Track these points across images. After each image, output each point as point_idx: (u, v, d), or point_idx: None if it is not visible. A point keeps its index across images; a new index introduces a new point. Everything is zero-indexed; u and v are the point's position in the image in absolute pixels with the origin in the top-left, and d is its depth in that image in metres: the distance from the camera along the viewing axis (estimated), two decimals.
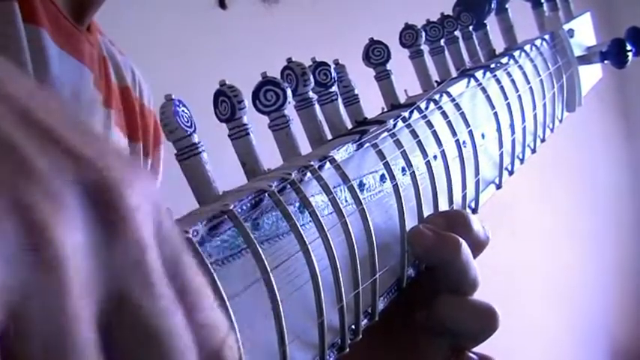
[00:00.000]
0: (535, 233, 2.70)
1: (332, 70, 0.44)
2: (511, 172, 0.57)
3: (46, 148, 0.19)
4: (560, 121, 0.69)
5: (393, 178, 0.42)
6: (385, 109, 0.49)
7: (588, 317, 2.95)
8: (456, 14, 0.59)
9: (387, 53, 0.50)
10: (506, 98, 0.56)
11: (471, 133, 0.50)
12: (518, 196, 2.33)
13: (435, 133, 0.47)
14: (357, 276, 0.37)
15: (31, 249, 0.18)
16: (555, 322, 2.77)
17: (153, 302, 0.20)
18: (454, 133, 0.49)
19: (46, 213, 0.18)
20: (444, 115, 0.49)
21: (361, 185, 0.41)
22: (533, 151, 0.61)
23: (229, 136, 0.38)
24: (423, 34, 0.54)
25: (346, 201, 0.39)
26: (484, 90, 0.55)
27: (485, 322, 0.44)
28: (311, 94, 0.42)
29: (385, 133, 0.44)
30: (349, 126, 0.45)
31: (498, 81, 0.57)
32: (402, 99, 0.50)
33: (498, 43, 0.64)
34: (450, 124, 0.49)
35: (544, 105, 0.63)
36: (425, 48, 0.55)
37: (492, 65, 0.58)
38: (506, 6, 0.66)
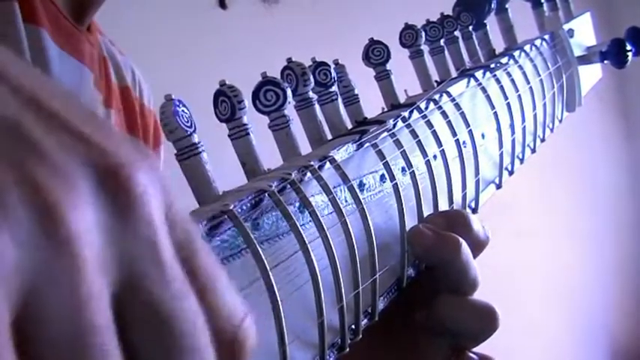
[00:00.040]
0: (535, 233, 2.70)
1: (332, 70, 0.44)
2: (511, 172, 0.57)
3: (54, 131, 0.19)
4: (560, 121, 0.69)
5: (392, 178, 0.42)
6: (385, 109, 0.49)
7: (588, 317, 2.95)
8: (456, 14, 0.59)
9: (387, 53, 0.50)
10: (506, 98, 0.56)
11: (470, 133, 0.50)
12: (518, 196, 2.33)
13: (434, 133, 0.47)
14: (357, 276, 0.37)
15: (43, 230, 0.18)
16: (555, 322, 2.77)
17: (165, 285, 0.20)
18: (454, 133, 0.49)
19: (58, 195, 0.18)
20: (444, 115, 0.49)
21: (361, 185, 0.41)
22: (533, 150, 0.61)
23: (229, 136, 0.38)
24: (423, 34, 0.54)
25: (346, 201, 0.39)
26: (484, 90, 0.55)
27: (486, 321, 0.44)
28: (311, 94, 0.42)
29: (385, 133, 0.44)
30: (349, 126, 0.45)
31: (498, 81, 0.57)
32: (402, 99, 0.50)
33: (498, 43, 0.64)
34: (449, 124, 0.49)
35: (544, 105, 0.63)
36: (425, 48, 0.55)
37: (492, 65, 0.58)
38: (506, 6, 0.66)
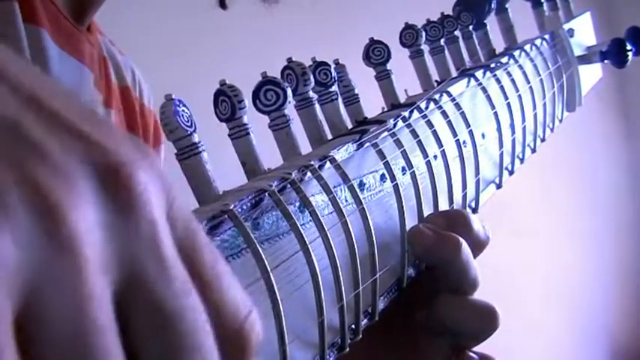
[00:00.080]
0: (535, 233, 2.70)
1: (332, 70, 0.44)
2: (511, 172, 0.57)
3: (54, 130, 0.19)
4: (560, 120, 0.69)
5: (393, 177, 0.42)
6: (385, 109, 0.49)
7: (588, 317, 2.95)
8: (456, 14, 0.59)
9: (387, 53, 0.50)
10: (506, 98, 0.56)
11: (471, 132, 0.50)
12: (518, 195, 2.33)
13: (435, 133, 0.47)
14: (357, 275, 0.37)
15: (45, 231, 0.18)
16: (555, 322, 2.77)
17: (167, 283, 0.20)
18: (454, 133, 0.49)
19: (58, 194, 0.18)
20: (444, 114, 0.49)
21: (361, 185, 0.41)
22: (534, 150, 0.61)
23: (229, 135, 0.38)
24: (423, 33, 0.54)
25: (346, 201, 0.39)
26: (484, 90, 0.55)
27: (486, 321, 0.44)
28: (311, 93, 0.42)
29: (385, 133, 0.44)
30: (349, 126, 0.45)
31: (498, 81, 0.57)
32: (402, 99, 0.50)
33: (498, 43, 0.64)
34: (450, 123, 0.49)
35: (544, 105, 0.63)
36: (425, 48, 0.55)
37: (492, 65, 0.58)
38: (507, 6, 0.66)
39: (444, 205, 0.47)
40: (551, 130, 0.65)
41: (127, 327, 0.19)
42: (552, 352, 2.71)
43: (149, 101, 0.75)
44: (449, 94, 0.50)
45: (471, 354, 0.45)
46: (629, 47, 0.72)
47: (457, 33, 0.58)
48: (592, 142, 3.09)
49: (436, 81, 0.54)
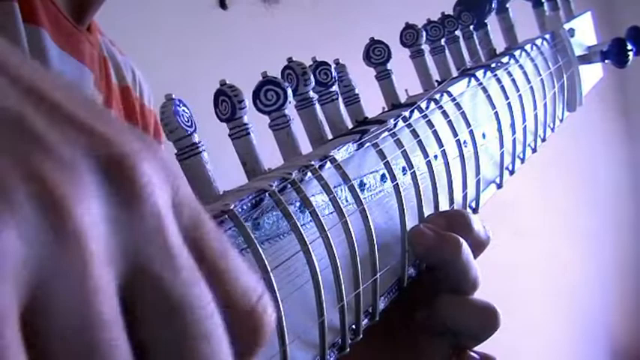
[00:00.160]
0: (535, 233, 2.70)
1: (332, 70, 0.44)
2: (512, 172, 0.57)
3: (56, 122, 0.19)
4: (561, 120, 0.69)
5: (393, 177, 0.42)
6: (386, 109, 0.49)
7: (588, 317, 2.95)
8: (457, 14, 0.59)
9: (388, 53, 0.49)
10: (507, 98, 0.56)
11: (471, 132, 0.50)
12: (519, 195, 2.33)
13: (435, 133, 0.47)
14: (357, 276, 0.37)
15: (50, 225, 0.18)
16: (555, 321, 2.77)
17: (174, 272, 0.20)
18: (455, 133, 0.49)
19: (63, 188, 0.18)
20: (445, 114, 0.49)
21: (362, 185, 0.41)
22: (534, 150, 0.61)
23: (230, 135, 0.38)
24: (424, 33, 0.54)
25: (347, 201, 0.39)
26: (485, 89, 0.55)
27: (486, 321, 0.44)
28: (311, 93, 0.42)
29: (386, 133, 0.44)
30: (350, 125, 0.45)
31: (499, 80, 0.56)
32: (403, 98, 0.50)
33: (499, 43, 0.64)
34: (450, 123, 0.49)
35: (545, 104, 0.63)
36: (425, 47, 0.54)
37: (493, 65, 0.58)
38: (507, 5, 0.66)
39: (444, 205, 0.47)
40: (552, 129, 0.65)
41: (134, 320, 0.19)
42: (552, 352, 2.71)
43: (149, 101, 0.75)
44: (449, 94, 0.50)
45: (472, 353, 0.45)
46: (629, 47, 0.72)
47: (458, 33, 0.58)
48: (592, 142, 3.09)
49: (437, 81, 0.54)
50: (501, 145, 0.55)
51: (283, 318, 0.31)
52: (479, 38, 0.61)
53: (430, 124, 0.47)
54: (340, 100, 0.45)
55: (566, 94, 0.70)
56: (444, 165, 0.47)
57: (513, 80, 0.58)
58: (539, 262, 2.70)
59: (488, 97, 0.54)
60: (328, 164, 0.38)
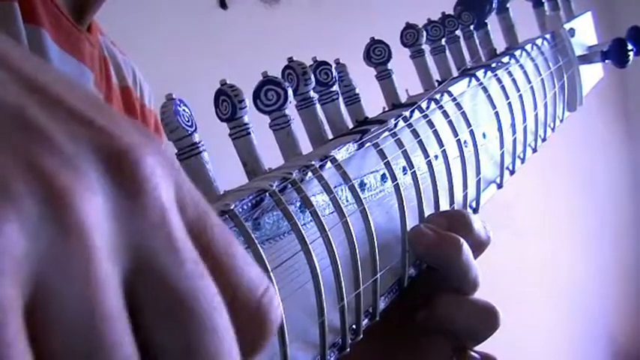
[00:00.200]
0: (535, 233, 2.70)
1: (333, 70, 0.44)
2: (512, 172, 0.57)
3: (58, 116, 0.19)
4: (561, 120, 0.69)
5: (394, 177, 0.42)
6: (386, 109, 0.49)
7: (588, 317, 2.95)
8: (457, 13, 0.59)
9: (388, 53, 0.49)
10: (507, 98, 0.56)
11: (472, 132, 0.50)
12: (519, 195, 2.33)
13: (436, 133, 0.47)
14: (357, 276, 0.37)
15: (53, 219, 0.17)
16: (555, 322, 2.77)
17: (178, 266, 0.20)
18: (455, 133, 0.49)
19: (65, 181, 0.18)
20: (445, 114, 0.49)
21: (362, 185, 0.41)
22: (535, 150, 0.61)
23: (230, 135, 0.38)
24: (424, 33, 0.54)
25: (347, 200, 0.39)
26: (485, 89, 0.55)
27: (486, 321, 0.44)
28: (312, 93, 0.42)
29: (386, 133, 0.44)
30: (350, 125, 0.45)
31: (499, 80, 0.56)
32: (403, 98, 0.50)
33: (499, 43, 0.64)
34: (451, 123, 0.49)
35: (545, 104, 0.63)
36: (426, 47, 0.54)
37: (493, 65, 0.58)
38: (508, 5, 0.66)
39: (444, 205, 0.47)
40: (552, 129, 0.65)
41: (139, 314, 0.19)
42: (552, 352, 2.71)
43: (150, 101, 0.75)
44: (450, 94, 0.50)
45: (473, 353, 0.45)
46: (630, 47, 0.72)
47: (458, 32, 0.58)
48: (592, 142, 3.09)
49: (437, 81, 0.54)
50: (502, 145, 0.55)
51: (284, 318, 0.31)
52: (479, 38, 0.61)
53: (430, 124, 0.47)
54: (341, 99, 0.45)
55: (567, 94, 0.70)
56: (445, 165, 0.47)
57: (514, 80, 0.58)
58: (539, 262, 2.70)
59: (489, 97, 0.54)
60: (329, 164, 0.38)
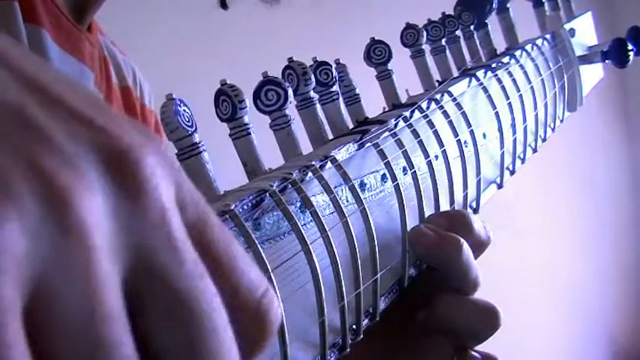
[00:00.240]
0: (535, 233, 2.70)
1: (333, 70, 0.44)
2: (512, 172, 0.57)
3: (58, 115, 0.19)
4: (562, 120, 0.69)
5: (394, 177, 0.42)
6: (386, 109, 0.49)
7: (588, 317, 2.95)
8: (457, 14, 0.59)
9: (389, 53, 0.49)
10: (507, 98, 0.56)
11: (472, 132, 0.50)
12: (519, 196, 2.33)
13: (436, 133, 0.47)
14: (358, 276, 0.37)
15: (53, 219, 0.17)
16: (555, 322, 2.77)
17: (178, 266, 0.20)
18: (455, 133, 0.49)
19: (65, 181, 0.18)
20: (446, 114, 0.49)
21: (362, 185, 0.41)
22: (535, 150, 0.61)
23: (230, 135, 0.38)
24: (425, 33, 0.54)
25: (347, 201, 0.39)
26: (485, 90, 0.55)
27: (487, 321, 0.44)
28: (312, 93, 0.42)
29: (386, 133, 0.44)
30: (350, 125, 0.45)
31: (500, 80, 0.56)
32: (404, 98, 0.50)
33: (500, 43, 0.64)
34: (451, 123, 0.49)
35: (545, 104, 0.63)
36: (426, 47, 0.54)
37: (494, 65, 0.58)
38: (508, 5, 0.66)
39: (445, 206, 0.47)
40: (553, 129, 0.65)
41: (138, 315, 0.19)
42: (552, 352, 2.71)
43: (150, 101, 0.75)
44: (450, 94, 0.50)
45: (474, 353, 0.45)
46: (630, 47, 0.72)
47: (458, 33, 0.58)
48: (592, 142, 3.09)
49: (437, 81, 0.54)
50: (502, 145, 0.55)
51: (284, 318, 0.31)
52: (479, 38, 0.61)
53: (431, 124, 0.47)
54: (341, 100, 0.45)
55: (567, 94, 0.70)
56: (445, 165, 0.47)
57: (514, 80, 0.58)
58: (539, 262, 2.70)
59: (489, 97, 0.54)
60: (329, 164, 0.38)
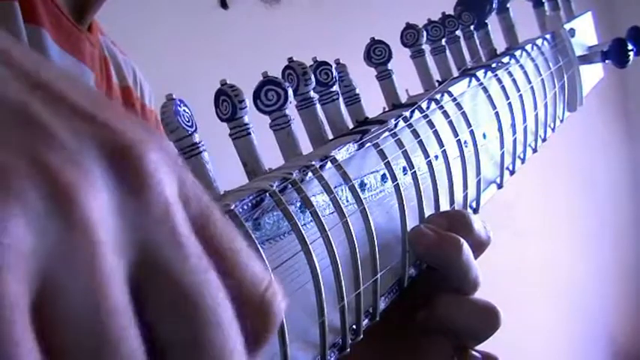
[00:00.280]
0: (535, 233, 2.70)
1: (333, 70, 0.44)
2: (512, 172, 0.57)
3: (61, 112, 0.19)
4: (562, 120, 0.69)
5: (394, 177, 0.42)
6: (386, 109, 0.49)
7: (588, 317, 2.95)
8: (457, 14, 0.59)
9: (389, 53, 0.49)
10: (507, 98, 0.56)
11: (472, 132, 0.50)
12: (519, 195, 2.33)
13: (436, 133, 0.47)
14: (358, 276, 0.37)
15: (58, 215, 0.17)
16: (555, 322, 2.77)
17: (182, 261, 0.20)
18: (455, 133, 0.49)
19: (69, 176, 0.18)
20: (446, 114, 0.49)
21: (362, 185, 0.41)
22: (535, 150, 0.61)
23: (230, 135, 0.38)
24: (425, 33, 0.54)
25: (347, 201, 0.39)
26: (485, 90, 0.55)
27: (487, 320, 0.44)
28: (312, 93, 0.42)
29: (386, 133, 0.44)
30: (350, 126, 0.45)
31: (500, 80, 0.56)
32: (404, 98, 0.50)
33: (500, 43, 0.64)
34: (451, 123, 0.49)
35: (545, 104, 0.63)
36: (426, 47, 0.54)
37: (494, 65, 0.58)
38: (508, 5, 0.66)
39: (445, 206, 0.47)
40: (553, 129, 0.65)
41: (144, 309, 0.19)
42: (552, 352, 2.71)
43: (150, 101, 0.75)
44: (450, 94, 0.50)
45: (474, 353, 0.45)
46: (630, 47, 0.72)
47: (458, 33, 0.58)
48: (592, 142, 3.09)
49: (437, 81, 0.54)
50: (502, 145, 0.55)
51: (284, 318, 0.31)
52: (479, 38, 0.61)
53: (431, 124, 0.47)
54: (341, 100, 0.45)
55: (567, 94, 0.70)
56: (445, 165, 0.47)
57: (514, 80, 0.58)
58: (539, 262, 2.70)
59: (489, 97, 0.54)
60: (329, 164, 0.38)
